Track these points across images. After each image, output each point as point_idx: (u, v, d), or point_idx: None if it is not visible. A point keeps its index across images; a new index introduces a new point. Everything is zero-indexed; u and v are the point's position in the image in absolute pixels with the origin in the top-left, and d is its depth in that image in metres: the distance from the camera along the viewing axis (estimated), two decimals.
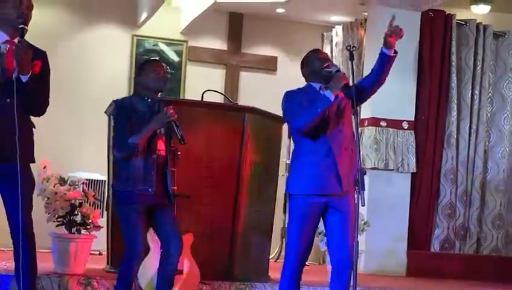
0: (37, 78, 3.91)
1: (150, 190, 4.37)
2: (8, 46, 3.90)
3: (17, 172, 3.77)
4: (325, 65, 4.40)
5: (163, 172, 4.46)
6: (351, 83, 4.50)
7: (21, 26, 3.84)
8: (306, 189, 4.32)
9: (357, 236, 4.18)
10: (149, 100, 4.44)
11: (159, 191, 4.42)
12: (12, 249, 3.94)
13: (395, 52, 4.34)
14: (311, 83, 4.47)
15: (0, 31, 3.96)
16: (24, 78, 3.83)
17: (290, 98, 4.42)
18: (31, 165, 4.08)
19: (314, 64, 4.45)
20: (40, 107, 4.03)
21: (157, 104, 4.48)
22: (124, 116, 4.40)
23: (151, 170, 4.38)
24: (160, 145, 4.45)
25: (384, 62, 4.36)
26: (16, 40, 3.89)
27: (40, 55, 4.01)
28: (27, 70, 3.83)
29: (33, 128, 4.06)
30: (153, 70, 4.48)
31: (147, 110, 4.42)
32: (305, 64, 4.55)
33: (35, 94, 3.93)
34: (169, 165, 4.49)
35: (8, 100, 3.80)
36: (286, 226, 8.34)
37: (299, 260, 4.35)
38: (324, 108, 4.24)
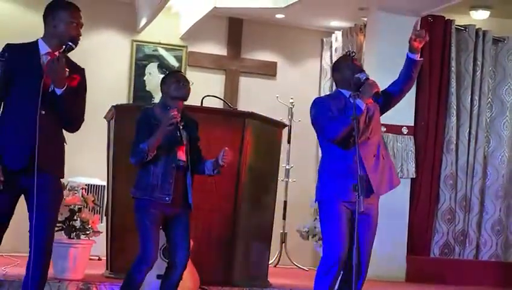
0: (73, 93, 3.91)
1: (167, 198, 4.35)
2: (49, 58, 3.89)
3: (48, 183, 3.80)
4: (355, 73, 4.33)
5: (184, 182, 4.45)
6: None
7: (70, 43, 3.86)
8: (337, 195, 4.26)
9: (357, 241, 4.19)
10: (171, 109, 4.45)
11: (177, 201, 4.40)
12: (28, 257, 3.86)
13: (421, 56, 4.34)
14: (340, 90, 4.42)
15: (43, 42, 3.95)
16: (59, 91, 3.84)
17: (319, 105, 4.37)
18: None
19: (346, 72, 4.38)
20: (75, 122, 4.04)
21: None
22: (143, 124, 4.43)
23: (170, 179, 4.36)
24: (181, 155, 4.44)
25: (411, 67, 4.36)
26: (57, 53, 3.89)
27: (79, 71, 4.03)
28: (62, 84, 3.83)
29: (65, 144, 4.03)
30: (174, 81, 4.53)
31: None
32: (336, 70, 4.49)
33: (69, 108, 3.93)
34: (190, 175, 4.48)
35: (43, 112, 3.80)
36: (284, 231, 8.42)
37: (337, 267, 4.25)
38: (356, 117, 4.18)
